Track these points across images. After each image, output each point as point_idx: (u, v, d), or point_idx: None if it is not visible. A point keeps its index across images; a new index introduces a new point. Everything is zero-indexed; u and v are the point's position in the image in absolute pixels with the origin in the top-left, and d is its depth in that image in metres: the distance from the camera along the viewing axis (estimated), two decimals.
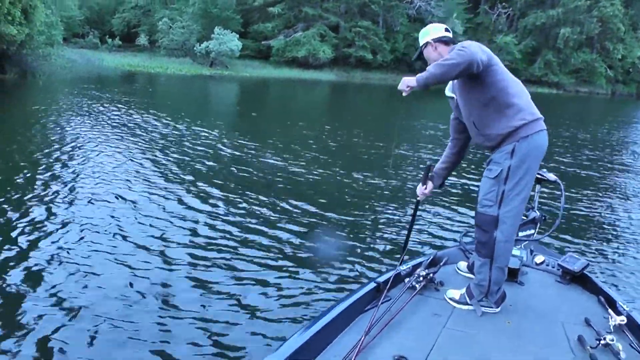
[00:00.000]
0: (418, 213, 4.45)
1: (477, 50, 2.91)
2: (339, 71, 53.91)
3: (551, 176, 3.98)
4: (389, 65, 56.21)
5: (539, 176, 3.95)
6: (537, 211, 4.07)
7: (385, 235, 6.16)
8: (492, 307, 3.18)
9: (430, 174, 3.72)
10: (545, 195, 7.43)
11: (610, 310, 3.10)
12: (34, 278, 4.40)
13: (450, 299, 3.25)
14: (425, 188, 3.70)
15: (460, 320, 3.03)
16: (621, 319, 2.92)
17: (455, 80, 3.19)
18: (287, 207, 6.92)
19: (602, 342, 2.67)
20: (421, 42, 3.35)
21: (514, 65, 59.28)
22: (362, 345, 2.53)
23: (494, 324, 3.02)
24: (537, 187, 4.17)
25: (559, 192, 4.01)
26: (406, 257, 3.74)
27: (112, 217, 6.06)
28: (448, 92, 3.46)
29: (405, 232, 4.06)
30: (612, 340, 2.67)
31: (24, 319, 3.77)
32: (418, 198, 3.78)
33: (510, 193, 3.04)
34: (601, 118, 28.71)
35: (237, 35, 46.69)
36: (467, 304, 3.19)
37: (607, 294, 3.34)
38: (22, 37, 21.36)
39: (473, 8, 61.60)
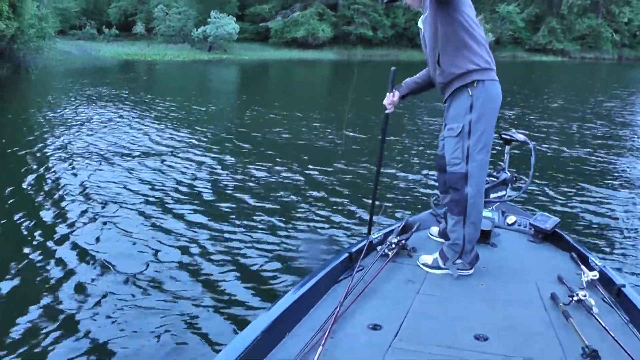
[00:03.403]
0: (390, 175, 4.12)
1: None
2: (339, 50, 53.28)
3: (520, 136, 4.04)
4: (390, 41, 55.59)
5: (507, 137, 4.10)
6: (507, 172, 4.14)
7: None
8: (466, 268, 3.16)
9: (397, 85, 3.53)
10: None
11: (582, 267, 3.11)
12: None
13: (423, 264, 3.23)
14: (393, 95, 3.51)
15: (434, 285, 3.02)
16: (593, 274, 2.94)
17: (427, 12, 3.12)
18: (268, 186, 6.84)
19: (575, 298, 2.67)
20: None
21: (517, 35, 58.52)
22: (337, 315, 2.51)
23: (468, 287, 3.03)
24: (507, 147, 4.22)
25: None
26: (378, 224, 3.82)
27: (103, 210, 6.03)
28: (420, 23, 3.33)
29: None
30: (585, 295, 2.67)
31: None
32: (387, 110, 3.53)
33: (475, 147, 3.07)
34: (595, 84, 28.03)
35: (234, 18, 46.23)
36: (440, 267, 3.18)
37: (580, 251, 3.37)
38: (11, 31, 21.10)
39: None
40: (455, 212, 3.16)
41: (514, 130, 4.21)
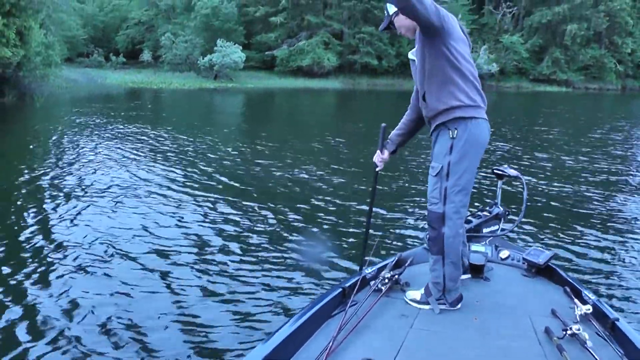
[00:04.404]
0: (383, 212, 4.11)
1: (447, 16, 2.95)
2: (344, 78, 53.75)
3: (512, 172, 4.06)
4: (395, 71, 55.99)
5: (499, 172, 4.10)
6: (500, 207, 4.16)
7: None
8: (450, 308, 3.15)
9: (385, 141, 3.63)
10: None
11: (576, 300, 3.10)
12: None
13: (411, 300, 3.21)
14: (382, 153, 3.62)
15: (427, 320, 3.02)
16: (587, 308, 2.93)
17: (418, 44, 3.11)
18: (270, 216, 6.87)
19: (569, 332, 2.67)
20: (391, 10, 3.25)
21: (521, 65, 58.80)
22: (330, 350, 2.51)
23: (461, 321, 3.01)
24: (499, 182, 4.25)
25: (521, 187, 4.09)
26: (371, 259, 3.76)
27: (112, 234, 6.12)
28: (411, 55, 3.33)
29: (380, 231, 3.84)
30: (579, 329, 2.66)
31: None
32: (377, 169, 3.66)
33: (453, 189, 3.07)
34: (596, 116, 27.92)
35: (240, 47, 46.73)
36: (428, 303, 3.16)
37: (573, 285, 3.36)
38: (17, 59, 21.24)
39: (477, 9, 61.19)
40: (434, 252, 3.16)
41: (506, 166, 4.23)
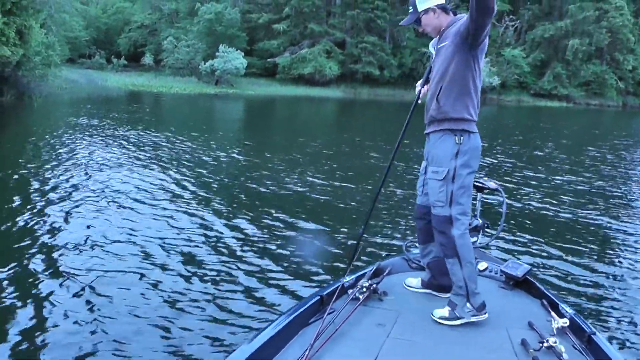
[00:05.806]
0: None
1: None
2: (346, 88, 53.76)
3: (492, 184, 4.19)
4: (397, 81, 56.01)
5: (479, 184, 4.21)
6: (479, 219, 4.23)
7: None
8: (477, 314, 3.14)
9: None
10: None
11: (553, 313, 3.15)
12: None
13: (440, 318, 3.18)
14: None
15: (404, 329, 3.04)
16: (564, 322, 2.96)
17: (447, 43, 3.15)
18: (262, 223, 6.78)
19: (545, 344, 2.71)
20: (420, 7, 3.28)
21: (522, 79, 58.82)
22: (307, 358, 2.53)
23: (438, 331, 3.05)
24: (479, 195, 4.31)
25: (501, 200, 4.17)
26: (351, 267, 3.77)
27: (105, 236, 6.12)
28: (431, 47, 3.41)
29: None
30: (555, 342, 2.70)
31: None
32: (419, 101, 3.64)
33: (458, 192, 3.16)
34: (594, 133, 27.85)
35: (242, 53, 46.65)
36: (457, 318, 3.15)
37: (550, 298, 3.40)
38: (16, 58, 21.17)
39: None
40: (449, 256, 3.20)
41: (486, 178, 4.34)
